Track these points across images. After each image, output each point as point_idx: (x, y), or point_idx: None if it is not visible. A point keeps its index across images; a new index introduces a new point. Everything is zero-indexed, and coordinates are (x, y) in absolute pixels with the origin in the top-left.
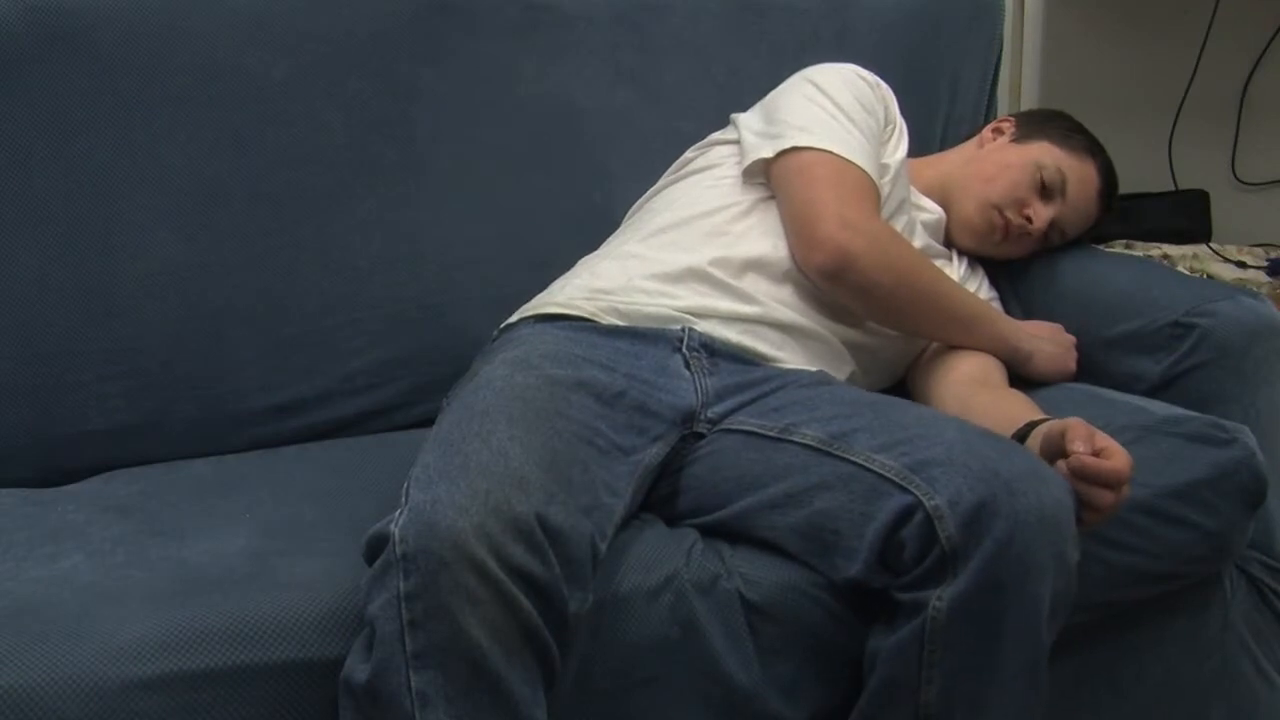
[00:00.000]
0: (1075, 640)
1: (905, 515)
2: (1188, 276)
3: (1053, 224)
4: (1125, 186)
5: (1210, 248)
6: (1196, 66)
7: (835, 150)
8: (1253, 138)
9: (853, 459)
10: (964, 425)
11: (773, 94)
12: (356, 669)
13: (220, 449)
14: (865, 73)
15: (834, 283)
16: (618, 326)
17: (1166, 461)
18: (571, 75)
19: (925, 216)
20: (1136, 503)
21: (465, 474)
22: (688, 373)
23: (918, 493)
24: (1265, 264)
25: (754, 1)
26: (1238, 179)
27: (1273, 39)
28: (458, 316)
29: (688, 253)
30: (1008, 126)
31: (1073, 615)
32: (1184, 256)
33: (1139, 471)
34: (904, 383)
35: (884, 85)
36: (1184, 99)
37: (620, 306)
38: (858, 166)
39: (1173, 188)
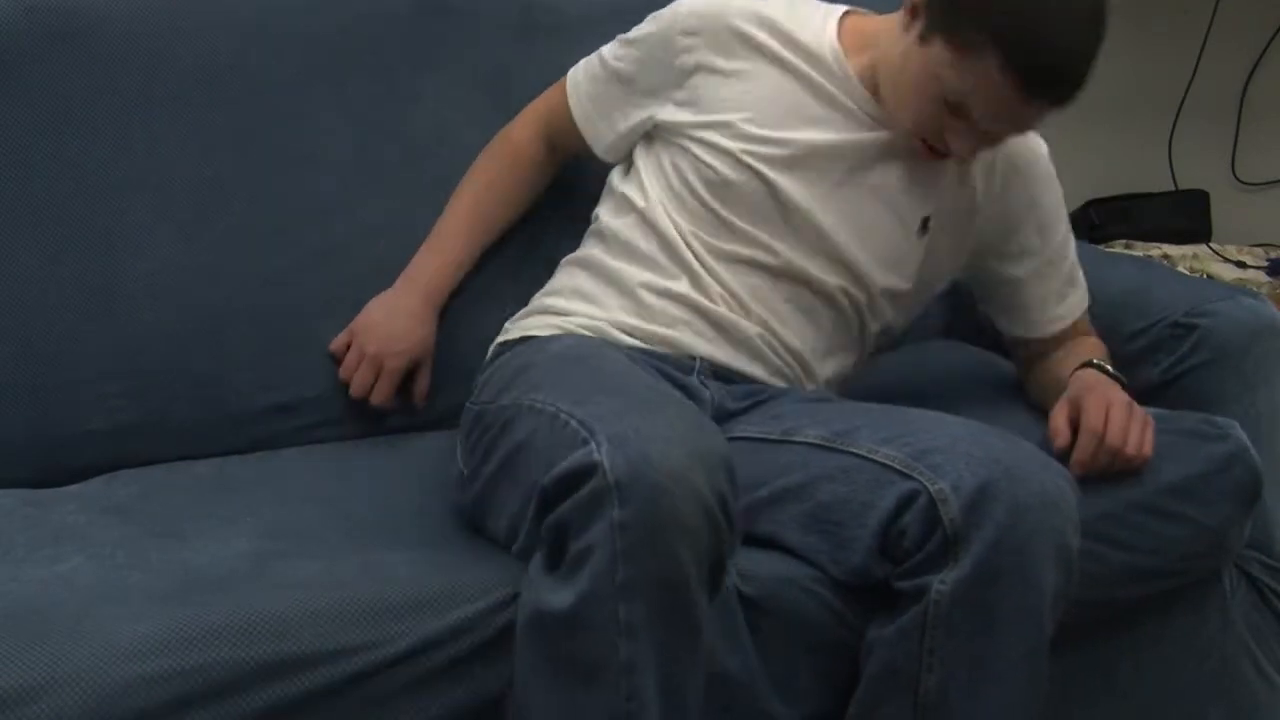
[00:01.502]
0: (1073, 639)
1: (908, 501)
2: (1188, 276)
3: (985, 137)
4: (1125, 186)
5: (1210, 248)
6: (1196, 66)
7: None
8: (1253, 138)
9: (855, 451)
10: (968, 422)
11: None
12: (549, 597)
13: (221, 449)
14: (691, 5)
15: None
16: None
17: (1160, 459)
18: None
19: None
20: (1133, 500)
21: (648, 409)
22: (705, 390)
23: (921, 479)
24: (1265, 264)
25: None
26: (1238, 179)
27: (1273, 39)
28: (458, 317)
29: (638, 262)
30: (919, 5)
31: (1071, 614)
32: (1184, 256)
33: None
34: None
35: (710, 13)
36: (1184, 99)
37: (624, 340)
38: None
39: (1173, 188)
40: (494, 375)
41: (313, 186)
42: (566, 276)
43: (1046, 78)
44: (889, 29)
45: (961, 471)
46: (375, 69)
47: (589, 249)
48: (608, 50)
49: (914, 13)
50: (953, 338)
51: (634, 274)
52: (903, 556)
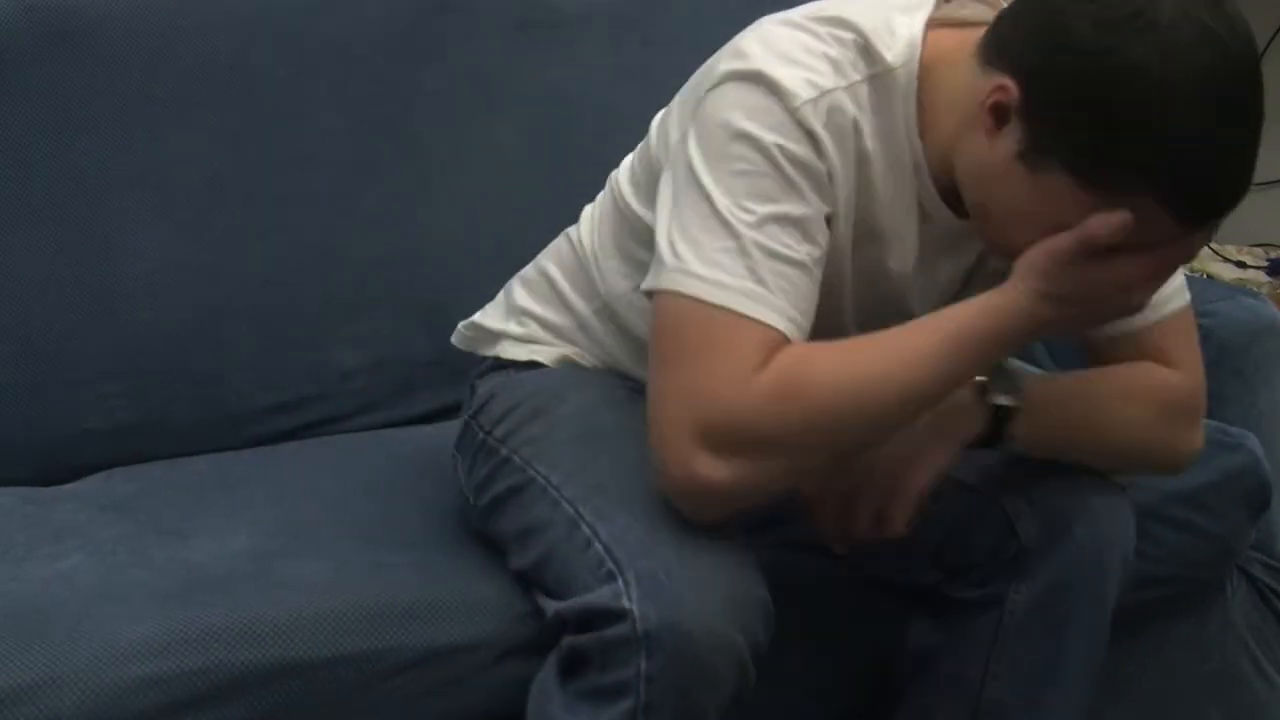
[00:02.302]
0: None
1: (974, 518)
2: (1188, 276)
3: None
4: None
5: (1210, 248)
6: None
7: (694, 293)
8: None
9: None
10: None
11: (657, 129)
12: (564, 718)
13: (220, 447)
14: (762, 115)
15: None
16: None
17: None
18: (571, 74)
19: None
20: (1142, 506)
21: (681, 535)
22: None
23: (992, 493)
24: (1265, 264)
25: (755, 1)
26: None
27: (1273, 39)
28: (458, 316)
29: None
30: (1011, 105)
31: None
32: None
33: (1145, 476)
34: None
35: (801, 134)
36: None
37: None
38: (731, 313)
39: None
40: (500, 396)
41: (313, 185)
42: (571, 316)
43: (1215, 208)
44: (965, 92)
45: (1035, 486)
46: (375, 68)
47: (599, 317)
48: (774, 238)
49: (999, 115)
50: None
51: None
52: (964, 567)
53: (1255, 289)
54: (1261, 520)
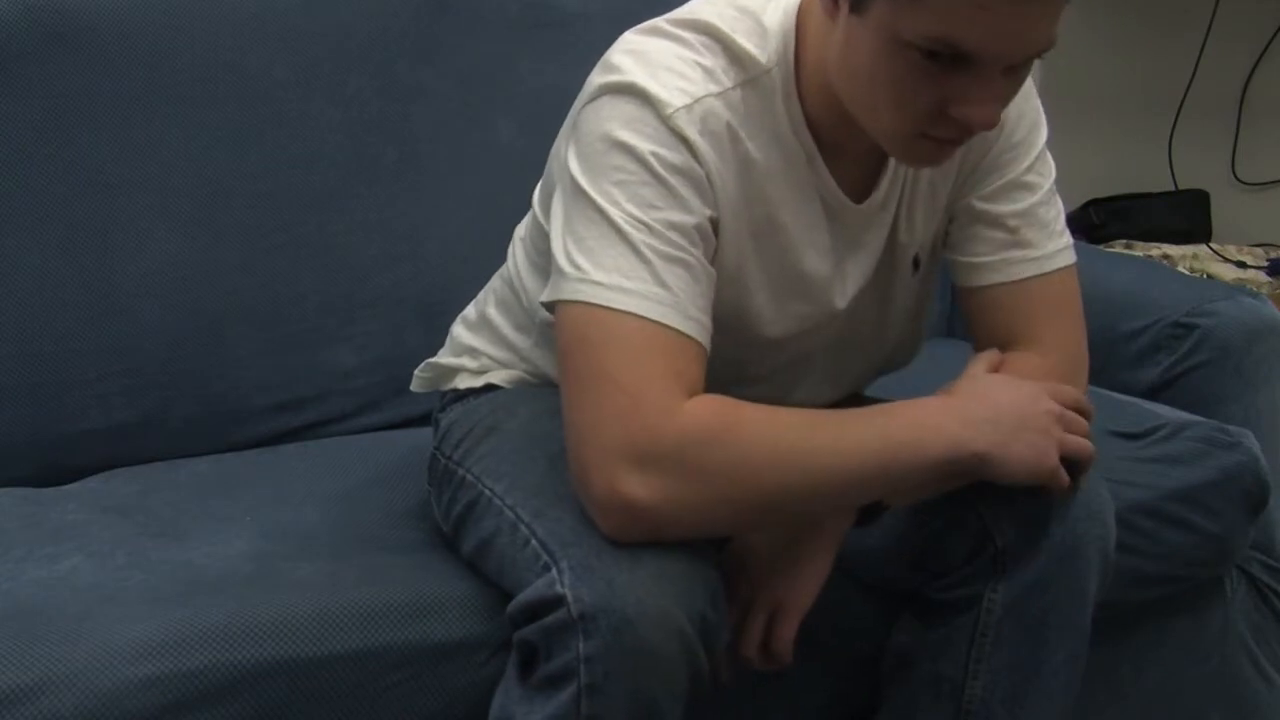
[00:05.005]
0: None
1: (952, 524)
2: (1188, 276)
3: (992, 74)
4: (1125, 186)
5: (1210, 248)
6: (1196, 66)
7: (598, 301)
8: (1253, 138)
9: None
10: None
11: (554, 148)
12: (518, 709)
13: (220, 447)
14: (641, 130)
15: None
16: None
17: (1170, 464)
18: (571, 73)
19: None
20: (1139, 505)
21: None
22: None
23: (968, 497)
24: (1265, 264)
25: None
26: (1238, 179)
27: (1273, 39)
28: (457, 316)
29: None
30: None
31: None
32: (1184, 256)
33: (1143, 474)
34: None
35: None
36: (1184, 99)
37: None
38: (638, 318)
39: (1173, 188)
40: (459, 422)
41: (312, 185)
42: (514, 351)
43: None
44: (815, 37)
45: (1009, 487)
46: (374, 67)
47: (539, 347)
48: (665, 241)
49: None
50: (953, 338)
51: None
52: (944, 570)
53: (1255, 289)
54: (1260, 519)
